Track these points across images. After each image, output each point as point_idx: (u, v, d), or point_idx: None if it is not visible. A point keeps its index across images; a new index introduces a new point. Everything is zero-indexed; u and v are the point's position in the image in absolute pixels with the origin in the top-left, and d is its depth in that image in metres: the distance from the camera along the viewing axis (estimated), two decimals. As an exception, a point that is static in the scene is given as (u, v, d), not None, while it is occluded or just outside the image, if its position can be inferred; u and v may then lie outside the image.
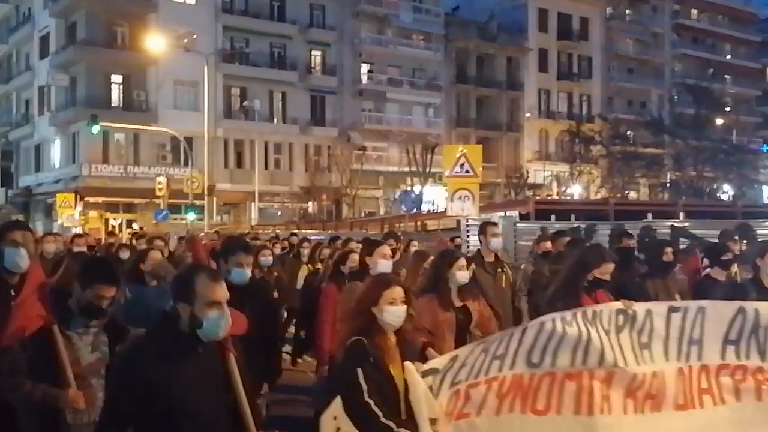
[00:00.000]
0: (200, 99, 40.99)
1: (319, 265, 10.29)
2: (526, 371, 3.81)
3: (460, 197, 15.07)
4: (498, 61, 57.93)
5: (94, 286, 3.89)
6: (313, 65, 50.38)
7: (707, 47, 71.70)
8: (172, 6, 43.94)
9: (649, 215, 13.18)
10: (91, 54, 42.48)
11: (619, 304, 4.02)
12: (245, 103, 46.31)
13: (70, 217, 36.94)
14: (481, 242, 7.62)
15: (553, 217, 15.00)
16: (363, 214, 45.90)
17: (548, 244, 9.21)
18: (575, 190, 53.90)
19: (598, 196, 50.57)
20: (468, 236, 14.06)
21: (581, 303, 4.79)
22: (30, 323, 3.83)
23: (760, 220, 10.15)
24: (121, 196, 42.35)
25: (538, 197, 40.65)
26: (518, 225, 14.71)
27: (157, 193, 36.26)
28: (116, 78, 43.81)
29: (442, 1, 56.27)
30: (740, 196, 51.76)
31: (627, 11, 66.31)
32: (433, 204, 40.02)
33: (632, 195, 55.20)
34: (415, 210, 27.51)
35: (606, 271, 5.31)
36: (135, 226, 39.02)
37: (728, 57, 73.19)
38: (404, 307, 3.85)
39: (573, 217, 14.56)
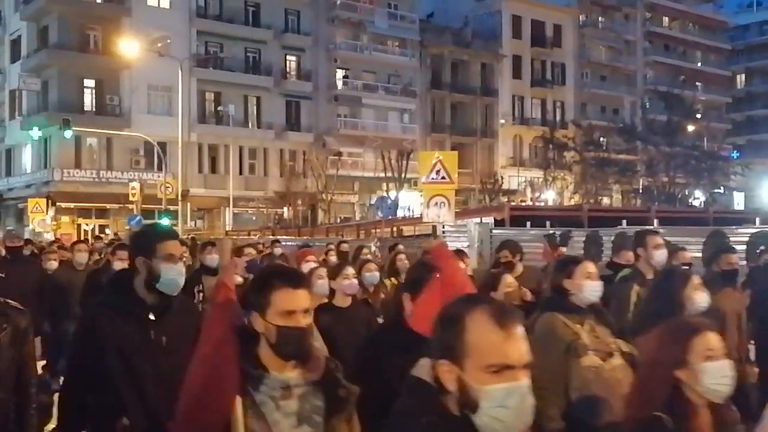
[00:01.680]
0: (174, 104, 40.74)
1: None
2: None
3: (436, 203, 15.16)
4: (472, 67, 58.21)
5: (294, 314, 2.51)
6: (288, 70, 50.29)
7: (678, 55, 72.64)
8: (145, 10, 43.65)
9: (624, 222, 13.31)
10: (63, 58, 42.08)
11: None
12: (220, 108, 46.11)
13: (42, 222, 36.49)
14: (638, 256, 5.82)
15: (528, 223, 15.11)
16: (338, 220, 45.85)
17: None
18: (549, 196, 54.27)
19: (572, 202, 51.01)
20: (444, 240, 14.07)
21: None
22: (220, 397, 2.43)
23: (733, 226, 10.33)
24: (94, 201, 41.93)
25: (512, 203, 40.92)
26: (494, 231, 14.80)
27: (131, 198, 35.92)
28: (89, 82, 43.41)
29: (417, 7, 56.46)
30: (711, 203, 52.51)
31: (600, 19, 66.97)
32: (409, 209, 40.08)
33: (605, 201, 55.77)
34: (391, 216, 27.57)
35: None
36: (108, 231, 38.66)
37: (699, 64, 74.23)
38: (728, 363, 2.62)
39: (548, 223, 14.67)
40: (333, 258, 9.30)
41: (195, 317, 3.59)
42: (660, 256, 5.73)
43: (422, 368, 2.02)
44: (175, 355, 3.23)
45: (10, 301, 3.62)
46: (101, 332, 3.31)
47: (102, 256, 11.61)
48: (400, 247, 10.19)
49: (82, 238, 29.27)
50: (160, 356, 3.33)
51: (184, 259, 4.78)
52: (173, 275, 3.43)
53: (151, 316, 3.40)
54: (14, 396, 3.48)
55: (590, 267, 4.19)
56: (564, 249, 10.67)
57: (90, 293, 7.90)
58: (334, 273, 5.29)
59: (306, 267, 6.14)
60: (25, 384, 3.54)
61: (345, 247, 12.52)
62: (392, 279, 7.86)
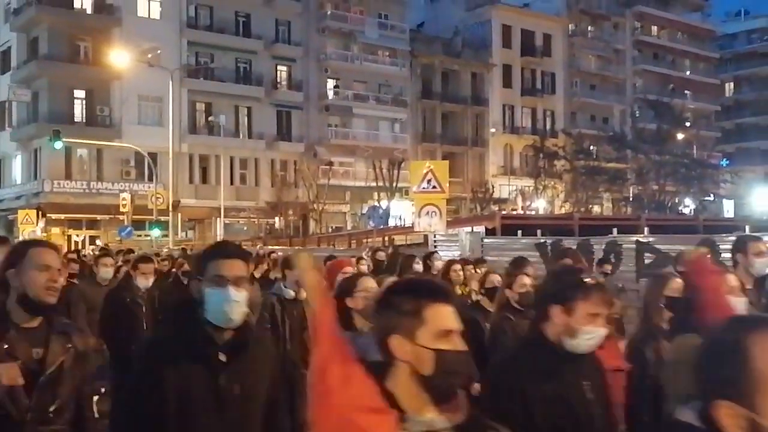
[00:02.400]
0: (165, 114, 40.69)
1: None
2: None
3: (428, 213, 15.22)
4: (463, 76, 58.39)
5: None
6: (278, 80, 50.33)
7: (667, 63, 73.05)
8: (136, 21, 43.64)
9: (615, 230, 13.36)
10: (53, 69, 41.98)
11: None
12: (210, 119, 46.08)
13: (32, 233, 36.35)
14: (736, 263, 5.34)
15: (519, 232, 15.14)
16: (330, 229, 45.84)
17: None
18: (540, 205, 54.40)
19: (563, 211, 51.14)
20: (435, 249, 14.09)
21: None
22: None
23: (723, 234, 10.37)
24: (84, 212, 41.78)
25: (503, 212, 41.00)
26: (485, 240, 14.82)
27: (121, 209, 35.84)
28: (79, 93, 43.32)
29: (407, 17, 56.63)
30: (701, 210, 52.74)
31: (589, 28, 67.31)
32: (400, 218, 40.11)
33: (596, 209, 55.92)
34: (382, 225, 27.58)
35: None
36: (98, 242, 38.51)
37: (688, 73, 74.67)
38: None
39: (539, 232, 14.70)
40: (364, 268, 8.76)
41: (273, 357, 3.08)
42: (761, 264, 5.17)
43: (688, 410, 1.63)
44: (249, 404, 2.84)
45: (67, 320, 3.23)
46: (160, 376, 2.79)
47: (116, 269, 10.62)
48: (437, 255, 9.61)
49: (73, 248, 29.16)
50: (230, 408, 2.82)
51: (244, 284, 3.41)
52: (217, 302, 2.84)
53: (222, 357, 2.85)
54: (74, 429, 3.03)
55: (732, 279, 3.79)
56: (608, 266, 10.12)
57: (113, 316, 7.25)
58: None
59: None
60: (84, 415, 3.11)
61: (381, 255, 11.49)
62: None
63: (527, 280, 5.14)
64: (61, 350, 2.98)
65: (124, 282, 7.78)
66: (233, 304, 2.85)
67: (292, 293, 5.78)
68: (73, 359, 3.00)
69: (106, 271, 8.54)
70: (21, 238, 37.49)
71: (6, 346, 2.86)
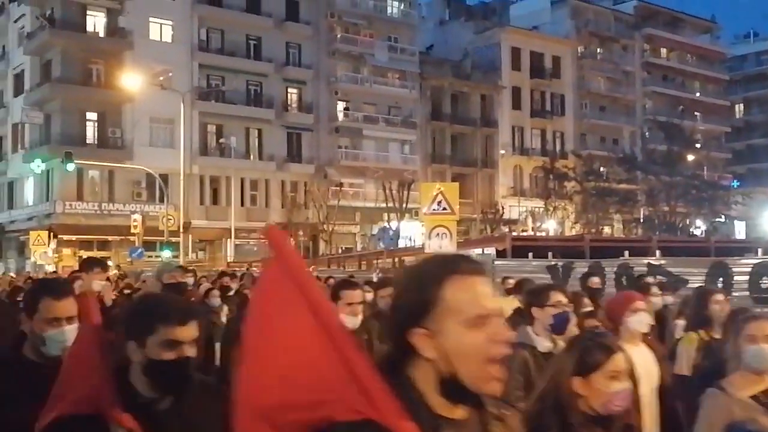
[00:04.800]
0: (176, 136, 40.93)
1: None
2: None
3: (438, 234, 15.18)
4: (472, 98, 58.57)
5: None
6: (289, 103, 50.61)
7: (677, 85, 73.11)
8: (148, 44, 44.04)
9: (626, 252, 13.31)
10: (66, 91, 42.37)
11: None
12: (221, 140, 46.31)
13: (44, 254, 36.54)
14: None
15: (530, 254, 15.10)
16: (340, 250, 45.86)
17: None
18: (550, 226, 54.31)
19: (573, 232, 51.05)
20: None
21: None
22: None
23: (735, 257, 10.34)
24: (96, 233, 41.96)
25: (514, 233, 40.94)
26: (496, 262, 14.79)
27: (132, 230, 36.00)
28: (91, 115, 43.66)
29: (416, 40, 56.96)
30: (713, 232, 52.52)
31: (598, 50, 67.51)
32: (410, 239, 40.11)
33: (606, 230, 55.78)
34: (392, 246, 27.58)
35: None
36: (110, 263, 38.64)
37: (698, 94, 74.66)
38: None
39: (550, 254, 14.65)
40: None
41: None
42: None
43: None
44: None
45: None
46: None
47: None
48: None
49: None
50: None
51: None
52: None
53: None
54: None
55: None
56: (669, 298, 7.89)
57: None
58: None
59: None
60: None
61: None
62: (701, 332, 5.28)
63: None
64: None
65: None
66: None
67: (548, 344, 4.17)
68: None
69: (215, 302, 8.59)
70: (33, 259, 37.72)
71: None
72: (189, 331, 2.43)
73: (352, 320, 4.54)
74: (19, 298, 9.24)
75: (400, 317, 1.70)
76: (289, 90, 50.65)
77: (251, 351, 1.68)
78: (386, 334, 1.92)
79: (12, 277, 24.35)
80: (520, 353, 4.01)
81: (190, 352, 2.43)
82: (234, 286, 9.79)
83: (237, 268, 25.99)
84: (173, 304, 2.53)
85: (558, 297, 4.25)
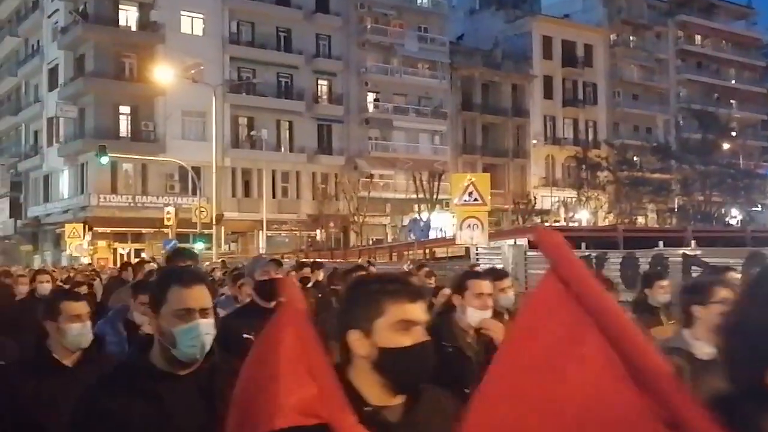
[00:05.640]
0: (208, 129, 41.19)
1: None
2: None
3: (469, 225, 15.09)
4: (503, 88, 58.20)
5: None
6: (319, 94, 50.68)
7: (712, 72, 71.95)
8: (179, 37, 44.33)
9: (661, 243, 13.12)
10: (99, 85, 42.83)
11: None
12: (253, 133, 46.55)
13: (79, 247, 37.03)
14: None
15: (563, 245, 14.92)
16: (370, 242, 45.91)
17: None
18: (583, 216, 53.86)
19: (606, 222, 50.58)
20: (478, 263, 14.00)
21: None
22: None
23: (773, 247, 10.17)
24: (130, 225, 42.46)
25: (546, 224, 40.65)
26: (528, 253, 14.69)
27: (166, 222, 36.29)
28: (124, 109, 44.10)
29: (446, 30, 56.67)
30: (749, 221, 51.74)
31: (631, 38, 66.65)
32: (441, 230, 40.02)
33: (640, 220, 55.20)
34: (423, 238, 27.53)
35: None
36: (144, 255, 39.05)
37: (733, 82, 73.44)
38: None
39: (583, 245, 14.51)
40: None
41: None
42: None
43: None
44: None
45: None
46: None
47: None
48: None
49: (120, 262, 29.58)
50: None
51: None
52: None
53: None
54: None
55: None
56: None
57: None
58: None
59: None
60: None
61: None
62: None
63: None
64: None
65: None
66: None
67: (709, 350, 3.22)
68: None
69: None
70: (68, 252, 38.25)
71: None
72: (421, 310, 2.00)
73: (482, 314, 4.02)
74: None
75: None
76: (320, 82, 50.72)
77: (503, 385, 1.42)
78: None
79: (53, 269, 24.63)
80: (672, 360, 3.22)
81: (426, 336, 2.00)
82: (313, 277, 9.80)
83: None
84: (400, 278, 2.10)
85: (723, 293, 3.61)
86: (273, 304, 4.44)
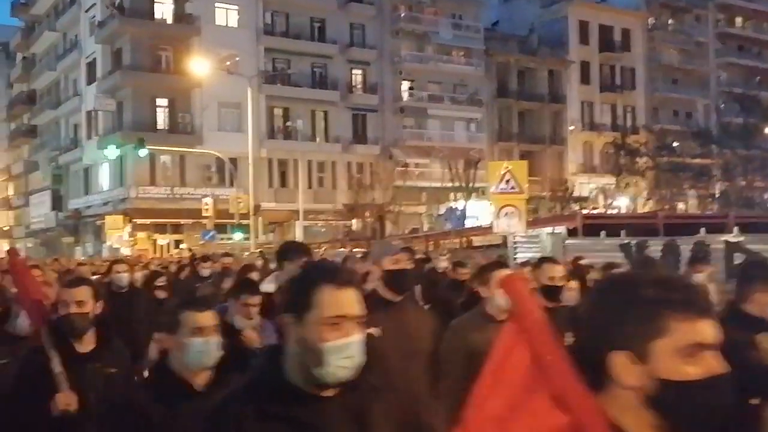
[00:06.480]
0: (244, 120, 41.42)
1: None
2: None
3: (506, 213, 14.92)
4: (539, 74, 57.64)
5: None
6: (354, 84, 50.65)
7: (753, 55, 70.47)
8: (214, 29, 44.59)
9: (702, 230, 12.88)
10: (136, 78, 43.28)
11: None
12: (288, 124, 46.73)
13: (119, 238, 37.58)
14: None
15: (602, 232, 14.74)
16: (406, 231, 45.83)
17: None
18: (622, 203, 53.19)
19: (646, 209, 49.88)
20: (516, 253, 13.90)
21: None
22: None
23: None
24: (169, 217, 42.89)
25: (585, 211, 40.20)
26: (567, 241, 14.51)
27: (204, 213, 36.65)
28: (161, 101, 44.54)
29: (481, 16, 56.24)
30: (792, 206, 50.70)
31: (669, 21, 65.52)
32: (477, 219, 39.80)
33: (680, 207, 54.41)
34: (460, 226, 27.41)
35: None
36: (183, 246, 39.46)
37: (775, 64, 71.86)
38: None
39: (623, 232, 14.27)
40: None
41: None
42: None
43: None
44: None
45: None
46: None
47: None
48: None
49: (158, 254, 29.92)
50: None
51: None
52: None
53: None
54: None
55: None
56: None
57: None
58: None
59: None
60: None
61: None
62: None
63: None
64: None
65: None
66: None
67: None
68: None
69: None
70: (109, 243, 38.79)
71: None
72: (714, 329, 1.51)
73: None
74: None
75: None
76: (354, 71, 50.68)
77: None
78: None
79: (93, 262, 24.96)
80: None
81: (723, 365, 1.51)
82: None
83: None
84: (684, 285, 1.57)
85: None
86: (400, 297, 4.16)
